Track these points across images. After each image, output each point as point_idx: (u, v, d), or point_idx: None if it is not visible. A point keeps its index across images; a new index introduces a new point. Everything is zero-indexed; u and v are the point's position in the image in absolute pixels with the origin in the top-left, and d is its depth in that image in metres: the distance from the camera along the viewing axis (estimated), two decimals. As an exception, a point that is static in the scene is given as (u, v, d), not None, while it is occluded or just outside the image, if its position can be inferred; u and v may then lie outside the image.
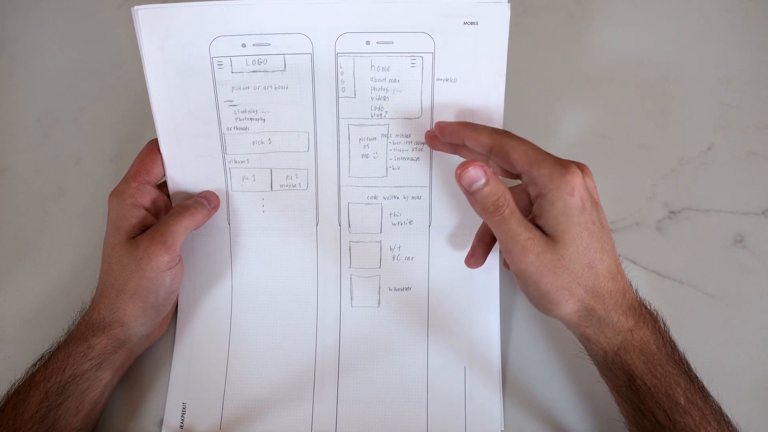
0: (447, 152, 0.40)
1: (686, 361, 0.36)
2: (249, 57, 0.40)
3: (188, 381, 0.43)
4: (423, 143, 0.41)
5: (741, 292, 0.44)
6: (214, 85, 0.41)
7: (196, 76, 0.40)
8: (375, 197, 0.42)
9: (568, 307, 0.34)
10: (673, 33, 0.51)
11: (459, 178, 0.35)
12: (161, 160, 0.42)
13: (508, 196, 0.34)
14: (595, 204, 0.35)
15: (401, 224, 0.43)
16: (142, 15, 0.39)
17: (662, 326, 0.36)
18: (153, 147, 0.42)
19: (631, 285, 0.36)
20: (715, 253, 0.45)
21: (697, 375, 0.35)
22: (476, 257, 0.41)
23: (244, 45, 0.40)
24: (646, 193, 0.47)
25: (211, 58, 0.40)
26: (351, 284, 0.43)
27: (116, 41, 0.52)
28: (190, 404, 0.42)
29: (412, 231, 0.43)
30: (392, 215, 0.43)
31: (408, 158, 0.42)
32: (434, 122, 0.41)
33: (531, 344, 0.43)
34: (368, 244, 0.43)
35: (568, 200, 0.34)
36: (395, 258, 0.43)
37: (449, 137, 0.39)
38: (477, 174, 0.34)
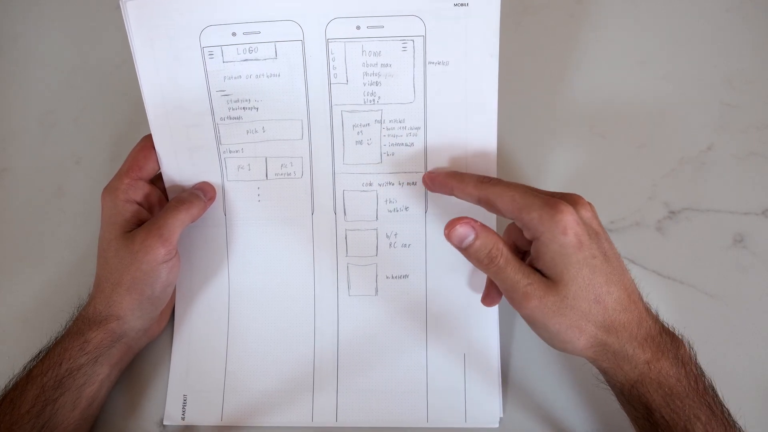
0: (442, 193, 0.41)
1: (712, 391, 0.35)
2: (240, 46, 0.40)
3: (188, 373, 0.43)
4: (417, 128, 0.41)
5: (741, 292, 0.44)
6: (206, 76, 0.41)
7: (187, 67, 0.40)
8: (370, 184, 0.42)
9: (581, 344, 0.34)
10: (673, 33, 0.51)
11: (448, 237, 0.35)
12: (155, 155, 0.42)
13: (501, 245, 0.34)
14: (596, 235, 0.34)
15: (397, 211, 0.43)
16: (131, 7, 0.39)
17: (687, 352, 0.35)
18: (146, 143, 0.42)
19: (649, 310, 0.35)
20: (715, 253, 0.45)
21: (723, 404, 0.35)
22: (491, 297, 0.41)
23: (234, 34, 0.40)
24: (646, 193, 0.47)
25: (202, 49, 0.40)
26: (348, 273, 0.43)
27: (116, 41, 0.52)
28: (191, 397, 0.42)
29: (408, 218, 0.43)
30: (388, 202, 0.42)
31: (402, 144, 0.42)
32: (427, 106, 0.41)
33: (530, 331, 0.43)
34: (364, 232, 0.43)
35: (562, 240, 0.33)
36: (392, 245, 0.43)
37: (438, 188, 0.39)
38: (465, 231, 0.35)
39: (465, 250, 0.35)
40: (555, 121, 0.49)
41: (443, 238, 0.42)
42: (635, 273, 0.44)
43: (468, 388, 0.42)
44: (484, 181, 0.37)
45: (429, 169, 0.42)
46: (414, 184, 0.42)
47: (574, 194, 0.36)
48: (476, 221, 0.35)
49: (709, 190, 0.46)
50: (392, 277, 0.43)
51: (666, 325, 0.35)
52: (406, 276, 0.43)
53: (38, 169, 0.50)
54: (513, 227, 0.39)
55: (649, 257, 0.45)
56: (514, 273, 0.34)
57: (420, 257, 0.43)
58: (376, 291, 0.43)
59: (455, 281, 0.43)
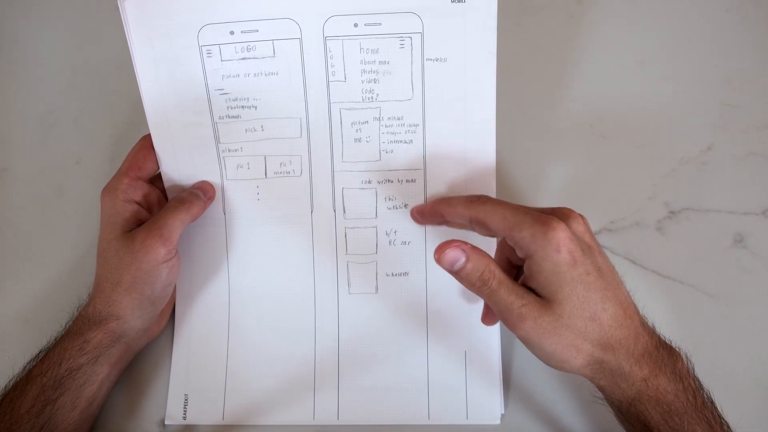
0: (434, 225, 0.41)
1: (711, 404, 0.34)
2: (238, 44, 0.40)
3: (189, 373, 0.43)
4: (416, 125, 0.41)
5: (741, 292, 0.44)
6: (204, 74, 0.41)
7: (185, 66, 0.40)
8: (369, 182, 0.42)
9: (578, 363, 0.33)
10: (673, 33, 0.51)
11: (438, 261, 0.35)
12: (154, 154, 0.42)
13: (493, 267, 0.34)
14: (589, 250, 0.34)
15: (396, 208, 0.43)
16: (129, 6, 0.39)
17: (684, 366, 0.34)
18: (145, 143, 0.42)
19: (645, 324, 0.35)
20: (715, 253, 0.45)
21: (722, 418, 0.34)
22: (490, 317, 0.41)
23: (232, 32, 0.40)
24: (646, 193, 0.47)
25: (200, 47, 0.40)
26: (348, 271, 0.43)
27: (116, 41, 0.52)
28: (192, 396, 0.42)
29: (408, 215, 0.42)
30: (387, 199, 0.42)
31: (401, 141, 0.42)
32: (426, 103, 0.41)
33: None
34: (364, 230, 0.43)
35: (556, 258, 0.33)
36: (391, 243, 0.43)
37: (429, 219, 0.39)
38: (455, 255, 0.34)
39: (456, 274, 0.35)
40: (555, 121, 0.49)
41: (443, 235, 0.42)
42: (635, 273, 0.45)
43: (469, 384, 0.42)
44: (473, 200, 0.36)
45: (428, 168, 0.42)
46: (413, 181, 0.42)
47: (565, 208, 0.35)
48: (467, 243, 0.34)
49: (709, 190, 0.46)
50: (392, 274, 0.43)
51: (663, 338, 0.35)
52: (406, 273, 0.43)
53: (38, 169, 0.50)
54: (505, 243, 0.38)
55: (648, 257, 0.45)
56: (508, 294, 0.34)
57: (420, 254, 0.43)
58: (377, 289, 0.43)
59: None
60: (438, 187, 0.42)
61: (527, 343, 0.34)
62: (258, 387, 0.43)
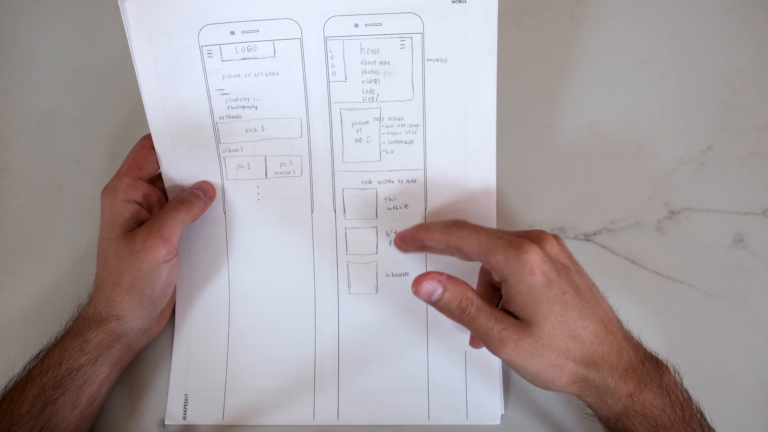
0: (417, 252, 0.41)
1: (700, 416, 0.34)
2: (238, 44, 0.40)
3: (189, 373, 0.43)
4: (416, 125, 0.41)
5: (741, 292, 0.44)
6: (205, 75, 0.41)
7: (186, 66, 0.40)
8: (369, 182, 0.42)
9: (563, 381, 0.34)
10: (673, 33, 0.51)
11: (416, 293, 0.35)
12: (154, 154, 0.42)
13: (470, 294, 0.34)
14: (564, 270, 0.34)
15: (396, 209, 0.43)
16: (130, 6, 0.39)
17: (671, 379, 0.34)
18: (145, 142, 0.42)
19: (629, 338, 0.35)
20: (715, 253, 0.45)
21: (712, 429, 0.34)
22: (477, 341, 0.40)
23: (232, 33, 0.40)
24: (646, 193, 0.47)
25: (201, 47, 0.40)
26: (348, 271, 0.43)
27: (116, 41, 0.52)
28: (192, 396, 0.43)
29: (408, 215, 0.43)
30: (387, 200, 0.42)
31: (401, 141, 0.42)
32: (426, 103, 0.41)
33: None
34: (364, 230, 0.43)
35: (530, 280, 0.33)
36: (392, 243, 0.43)
37: (410, 244, 0.39)
38: (432, 286, 0.34)
39: (435, 304, 0.35)
40: (555, 120, 0.49)
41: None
42: (635, 273, 0.45)
43: (469, 385, 0.42)
44: (450, 225, 0.36)
45: (428, 168, 0.42)
46: (413, 181, 0.42)
47: (539, 230, 0.36)
48: (442, 274, 0.35)
49: (709, 190, 0.46)
50: (392, 275, 0.43)
51: (649, 351, 0.35)
52: (406, 274, 0.43)
53: (38, 169, 0.50)
54: (485, 269, 0.39)
55: (648, 257, 0.45)
56: (487, 320, 0.34)
57: (420, 255, 0.43)
58: (377, 289, 0.43)
59: None
60: (439, 187, 0.42)
61: (512, 365, 0.34)
62: (258, 387, 0.43)
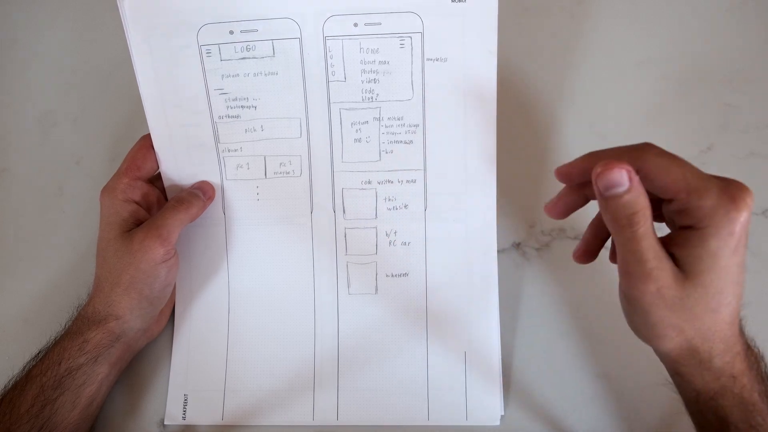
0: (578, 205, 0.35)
1: None
2: (237, 44, 0.40)
3: (189, 373, 0.43)
4: (416, 125, 0.41)
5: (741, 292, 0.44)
6: (204, 74, 0.41)
7: (184, 66, 0.40)
8: (369, 182, 0.42)
9: (672, 344, 0.31)
10: (673, 33, 0.51)
11: (597, 177, 0.29)
12: (153, 154, 0.42)
13: (648, 213, 0.29)
14: (746, 239, 0.30)
15: (396, 209, 0.42)
16: (129, 6, 0.39)
17: (764, 369, 0.33)
18: (145, 142, 0.42)
19: (741, 321, 0.32)
20: (715, 253, 0.45)
21: None
22: (589, 253, 0.36)
23: (231, 32, 0.40)
24: (646, 193, 0.47)
25: (199, 47, 0.40)
26: (347, 272, 0.43)
27: (116, 41, 0.52)
28: (192, 396, 0.43)
29: (408, 216, 0.42)
30: (387, 200, 0.42)
31: (401, 141, 0.42)
32: (426, 103, 0.41)
33: (531, 328, 0.43)
34: (364, 231, 0.43)
35: (726, 242, 0.29)
36: (391, 244, 0.43)
37: (577, 178, 0.33)
38: (620, 178, 0.28)
39: (606, 200, 0.29)
40: (555, 120, 0.49)
41: (443, 236, 0.41)
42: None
43: (469, 386, 0.42)
44: (639, 149, 0.30)
45: (428, 168, 0.42)
46: (413, 181, 0.42)
47: (743, 185, 0.30)
48: (635, 173, 0.29)
49: (709, 190, 0.46)
50: (392, 275, 0.43)
51: (748, 339, 0.33)
52: (405, 274, 0.43)
53: (38, 169, 0.50)
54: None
55: (649, 257, 0.45)
56: (647, 249, 0.29)
57: (420, 255, 0.43)
58: (376, 289, 0.43)
59: (455, 279, 0.42)
60: (439, 187, 0.42)
61: (634, 305, 0.31)
62: (257, 387, 0.43)
